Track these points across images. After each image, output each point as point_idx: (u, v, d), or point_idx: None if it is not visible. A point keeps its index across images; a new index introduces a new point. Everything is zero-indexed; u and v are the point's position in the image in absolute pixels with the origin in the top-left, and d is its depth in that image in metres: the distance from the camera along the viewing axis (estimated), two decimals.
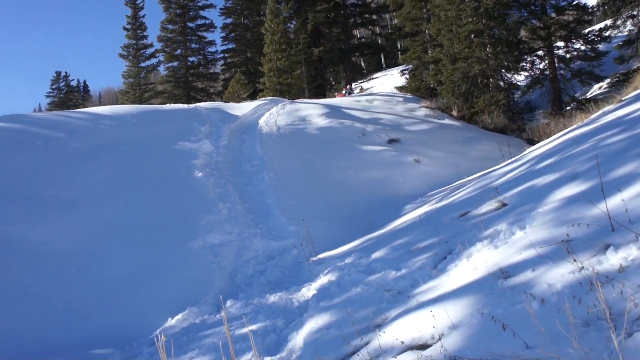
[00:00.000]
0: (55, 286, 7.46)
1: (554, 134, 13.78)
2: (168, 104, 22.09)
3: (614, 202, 4.13)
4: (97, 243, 8.69)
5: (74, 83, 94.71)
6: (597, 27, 25.12)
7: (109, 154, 12.21)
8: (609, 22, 22.57)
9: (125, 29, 41.68)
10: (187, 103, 28.67)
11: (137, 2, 41.99)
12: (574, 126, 11.58)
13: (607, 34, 22.03)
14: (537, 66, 23.76)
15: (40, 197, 9.73)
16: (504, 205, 6.42)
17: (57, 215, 9.21)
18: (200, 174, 11.88)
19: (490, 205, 6.65)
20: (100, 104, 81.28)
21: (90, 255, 8.30)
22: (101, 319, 6.95)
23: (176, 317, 6.97)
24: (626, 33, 21.19)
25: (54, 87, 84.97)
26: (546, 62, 23.60)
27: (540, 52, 23.72)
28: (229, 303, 7.10)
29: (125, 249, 8.58)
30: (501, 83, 21.46)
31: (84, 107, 34.38)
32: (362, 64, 56.61)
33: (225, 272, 8.35)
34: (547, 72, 23.40)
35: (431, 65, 25.36)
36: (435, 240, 6.44)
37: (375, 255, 7.27)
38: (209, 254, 8.73)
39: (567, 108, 21.40)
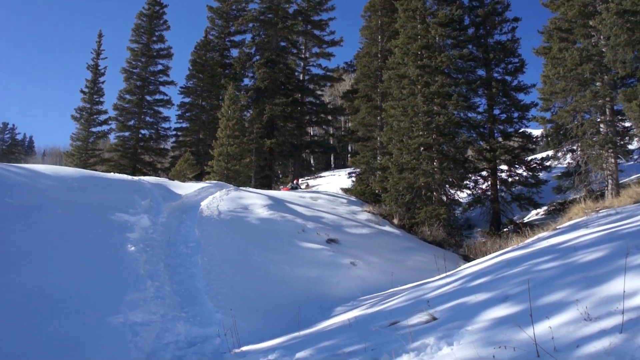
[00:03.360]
0: None
1: (490, 253, 14.14)
2: (112, 173, 21.73)
3: (542, 328, 4.21)
4: (10, 308, 8.16)
5: (19, 137, 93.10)
6: (539, 156, 26.68)
7: (42, 215, 11.76)
8: (550, 152, 24.02)
9: (82, 92, 41.76)
10: (132, 175, 28.34)
11: (99, 68, 42.29)
12: (510, 248, 11.93)
13: (548, 163, 23.44)
14: (480, 186, 24.88)
15: None
16: (434, 319, 6.44)
17: None
18: (133, 248, 11.53)
19: (420, 318, 6.66)
20: (43, 162, 79.66)
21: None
22: None
23: None
24: (565, 165, 22.53)
25: None
26: (489, 182, 24.72)
27: (484, 173, 24.86)
28: None
29: (41, 317, 8.06)
30: (444, 197, 22.15)
31: (25, 163, 33.46)
32: (312, 161, 57.75)
33: (143, 353, 7.91)
34: (489, 193, 24.47)
35: (378, 172, 26.07)
36: (362, 347, 6.34)
37: (300, 355, 7.08)
38: (128, 332, 8.28)
39: (505, 229, 22.20)
